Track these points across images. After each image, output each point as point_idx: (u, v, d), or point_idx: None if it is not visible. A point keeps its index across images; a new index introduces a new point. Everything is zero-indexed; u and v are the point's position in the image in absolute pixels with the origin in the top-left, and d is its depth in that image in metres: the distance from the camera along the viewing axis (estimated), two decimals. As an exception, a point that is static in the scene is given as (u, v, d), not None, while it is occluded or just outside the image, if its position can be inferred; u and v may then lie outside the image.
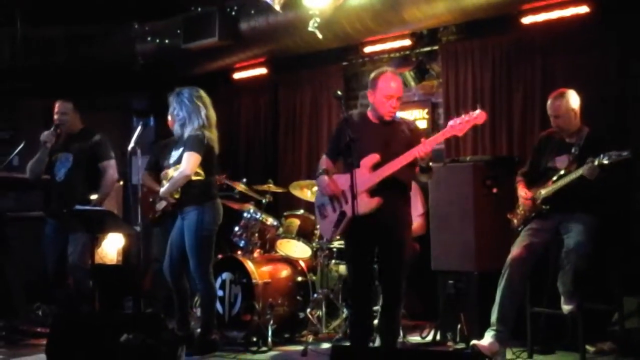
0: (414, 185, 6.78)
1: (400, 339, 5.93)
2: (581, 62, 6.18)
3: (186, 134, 5.79)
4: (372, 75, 5.14)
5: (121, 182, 7.32)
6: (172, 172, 5.85)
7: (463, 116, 4.94)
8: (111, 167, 6.49)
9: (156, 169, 6.44)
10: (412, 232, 5.26)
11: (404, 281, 5.08)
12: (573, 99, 5.44)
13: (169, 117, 5.97)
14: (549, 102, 5.52)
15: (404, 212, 5.05)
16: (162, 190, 5.89)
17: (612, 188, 5.30)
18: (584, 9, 5.99)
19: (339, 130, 5.15)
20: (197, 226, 5.75)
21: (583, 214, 5.30)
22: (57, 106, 6.47)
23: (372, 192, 4.93)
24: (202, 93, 5.88)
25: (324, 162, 5.20)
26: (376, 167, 4.95)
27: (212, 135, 5.84)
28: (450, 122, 4.97)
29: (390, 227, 4.94)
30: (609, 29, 6.01)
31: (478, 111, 4.94)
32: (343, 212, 5.01)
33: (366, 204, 4.89)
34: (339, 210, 5.07)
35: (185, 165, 5.71)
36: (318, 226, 5.52)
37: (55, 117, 6.44)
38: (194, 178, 5.76)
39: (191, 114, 5.79)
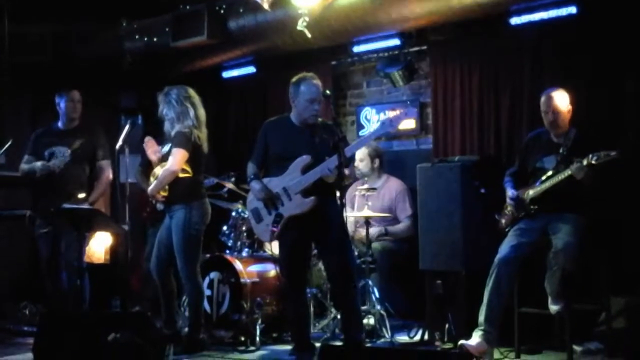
0: (402, 186, 6.87)
1: (387, 339, 5.97)
2: (570, 62, 6.19)
3: (174, 132, 5.78)
4: (293, 80, 5.38)
5: (110, 177, 7.29)
6: (159, 170, 5.84)
7: (394, 112, 5.22)
8: (108, 167, 6.51)
9: (149, 166, 6.43)
10: (345, 228, 5.39)
11: (354, 273, 5.33)
12: (566, 97, 5.51)
13: (158, 116, 5.95)
14: (543, 99, 5.55)
15: (335, 209, 5.13)
16: (149, 188, 5.88)
17: (600, 188, 5.33)
18: (572, 9, 6.00)
19: (263, 136, 5.44)
20: (185, 225, 5.75)
21: (571, 215, 5.32)
22: (71, 94, 6.43)
23: (306, 193, 5.17)
24: (192, 92, 5.87)
25: (251, 168, 5.47)
26: (307, 169, 5.15)
27: (202, 134, 5.83)
28: (383, 120, 5.26)
29: (325, 225, 5.13)
30: (597, 30, 6.02)
31: (409, 107, 5.17)
32: (279, 214, 5.28)
33: (302, 204, 5.20)
34: (274, 212, 5.31)
35: (171, 161, 5.70)
36: (254, 230, 5.68)
37: (68, 105, 6.42)
38: (181, 175, 5.75)
39: (179, 114, 5.78)
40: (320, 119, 5.31)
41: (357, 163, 6.72)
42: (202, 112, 5.86)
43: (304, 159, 5.19)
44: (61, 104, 6.52)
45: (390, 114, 5.24)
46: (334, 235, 5.11)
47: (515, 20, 6.27)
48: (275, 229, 5.26)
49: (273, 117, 5.62)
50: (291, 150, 5.25)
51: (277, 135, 5.37)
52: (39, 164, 6.34)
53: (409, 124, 7.16)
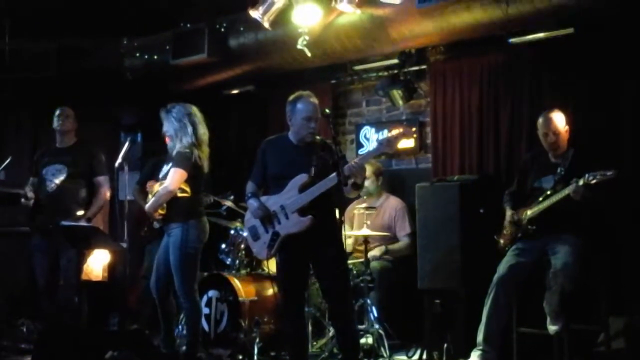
0: (401, 205, 6.87)
1: (386, 358, 5.95)
2: (568, 82, 6.21)
3: (175, 151, 5.78)
4: (290, 98, 5.37)
5: (108, 194, 7.30)
6: (157, 187, 5.85)
7: (392, 133, 5.13)
8: (106, 183, 6.51)
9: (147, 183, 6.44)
10: (343, 247, 5.37)
11: (349, 295, 5.30)
12: (563, 118, 5.55)
13: (163, 132, 5.95)
14: (542, 120, 5.57)
15: (333, 228, 5.16)
16: (147, 205, 5.88)
17: (598, 208, 5.34)
18: (570, 30, 6.03)
19: (261, 154, 5.44)
20: (182, 243, 5.72)
21: (569, 235, 5.33)
22: (60, 110, 6.48)
23: (303, 211, 5.14)
24: (194, 110, 5.85)
25: (250, 187, 5.46)
26: (304, 187, 5.13)
27: (202, 154, 5.82)
28: (381, 140, 5.25)
29: (322, 244, 5.10)
30: (595, 50, 6.05)
31: (407, 128, 5.22)
32: (276, 232, 5.25)
33: (298, 223, 5.16)
34: (271, 231, 5.28)
35: (169, 180, 5.69)
36: (251, 248, 5.66)
37: (57, 119, 6.45)
38: (180, 195, 5.74)
39: (178, 131, 5.77)
40: (318, 137, 5.31)
41: None
42: (203, 131, 5.84)
43: (302, 177, 5.19)
44: (53, 120, 6.55)
45: (389, 133, 5.22)
46: (331, 254, 5.10)
47: (514, 40, 6.30)
48: (270, 249, 5.25)
49: (271, 136, 5.63)
50: (289, 168, 5.25)
51: (275, 154, 5.37)
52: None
53: (408, 143, 7.15)
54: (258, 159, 5.47)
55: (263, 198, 5.36)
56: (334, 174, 5.01)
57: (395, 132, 5.13)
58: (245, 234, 6.53)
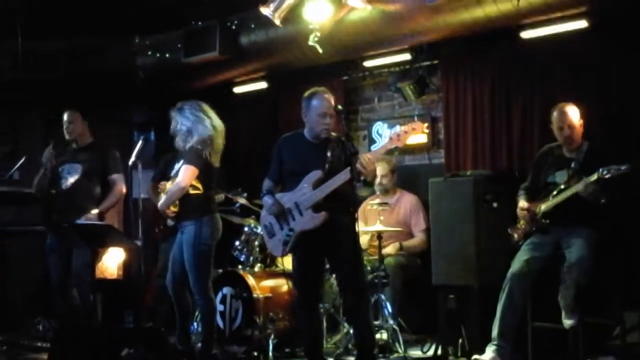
0: (416, 200, 6.87)
1: (401, 354, 5.96)
2: (581, 76, 6.19)
3: (187, 147, 5.80)
4: (305, 95, 5.39)
5: (124, 191, 7.32)
6: (169, 185, 5.87)
7: (403, 127, 5.14)
8: (121, 181, 6.53)
9: (161, 181, 6.45)
10: (358, 242, 5.32)
11: (365, 288, 5.30)
12: (577, 112, 5.53)
13: (171, 132, 5.97)
14: (556, 113, 5.55)
15: (347, 223, 5.14)
16: (159, 203, 5.90)
17: (612, 202, 5.32)
18: (582, 24, 6.01)
19: (277, 152, 5.45)
20: (195, 241, 5.74)
21: (584, 229, 5.32)
22: (66, 115, 6.51)
23: (317, 208, 5.15)
24: (204, 106, 5.87)
25: (266, 184, 5.48)
26: (318, 184, 5.14)
27: (218, 147, 5.82)
28: (391, 135, 5.20)
29: (337, 240, 5.11)
30: (608, 44, 6.03)
31: (417, 122, 5.25)
32: (291, 229, 5.28)
33: (313, 219, 5.18)
34: (286, 228, 5.30)
35: (180, 178, 5.71)
36: (266, 245, 5.70)
37: (64, 126, 6.46)
38: (192, 192, 5.75)
39: (191, 128, 5.79)
40: (333, 134, 5.31)
41: (379, 179, 6.73)
42: (218, 122, 5.85)
43: (315, 173, 5.20)
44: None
45: (399, 128, 5.22)
46: (346, 249, 5.10)
47: (526, 34, 6.28)
48: (285, 246, 5.26)
49: (287, 133, 5.64)
50: (304, 165, 5.26)
51: (290, 151, 5.38)
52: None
53: (420, 138, 7.16)
54: (274, 156, 5.48)
55: (278, 195, 5.38)
56: (347, 169, 5.02)
57: (405, 126, 5.14)
58: (259, 230, 6.58)
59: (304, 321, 5.51)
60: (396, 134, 5.16)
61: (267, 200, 5.40)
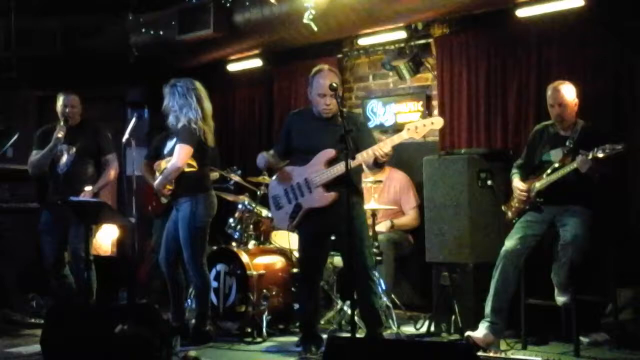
0: (406, 178, 6.88)
1: (394, 330, 5.98)
2: (577, 56, 6.18)
3: (179, 125, 5.79)
4: (312, 72, 5.37)
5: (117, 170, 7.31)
6: (165, 164, 5.87)
7: (423, 121, 5.09)
8: (115, 160, 6.53)
9: (155, 159, 6.45)
10: (364, 222, 5.41)
11: (370, 268, 5.32)
12: (572, 90, 5.50)
13: (163, 109, 5.96)
14: (549, 91, 5.55)
15: (354, 202, 5.15)
16: (155, 183, 5.91)
17: (607, 180, 5.33)
18: (579, 2, 5.99)
19: (286, 127, 5.47)
20: (190, 218, 5.76)
21: (578, 207, 5.33)
22: (67, 100, 6.42)
23: (327, 186, 5.15)
24: (198, 85, 5.88)
25: (270, 151, 5.51)
26: (331, 162, 5.13)
27: (207, 127, 5.84)
28: (409, 126, 5.08)
29: (343, 219, 5.02)
30: (605, 23, 6.01)
31: (438, 118, 5.15)
32: (299, 204, 5.28)
33: (322, 198, 5.18)
34: (294, 202, 5.31)
35: (176, 157, 5.72)
36: (272, 216, 5.74)
37: (67, 110, 6.40)
38: (187, 170, 5.77)
39: (184, 106, 5.79)
40: (345, 110, 5.27)
41: None
42: (208, 105, 5.87)
43: (329, 152, 5.18)
44: (58, 106, 6.47)
45: (418, 120, 5.13)
46: (356, 227, 5.10)
47: (521, 12, 6.26)
48: (292, 220, 5.28)
49: (297, 109, 5.63)
50: (314, 142, 5.24)
51: (300, 127, 5.37)
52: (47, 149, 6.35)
53: (415, 116, 7.15)
54: (282, 131, 5.53)
55: (288, 168, 5.39)
56: (358, 154, 5.04)
57: (425, 120, 5.09)
58: (253, 208, 6.58)
59: (303, 296, 5.55)
60: (414, 126, 5.07)
61: (259, 156, 5.44)
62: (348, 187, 4.95)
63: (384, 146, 5.11)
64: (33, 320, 6.75)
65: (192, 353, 5.29)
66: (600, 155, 5.06)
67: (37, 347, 5.11)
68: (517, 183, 5.60)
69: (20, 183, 7.35)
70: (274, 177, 5.51)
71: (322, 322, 6.22)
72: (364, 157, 5.12)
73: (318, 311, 5.74)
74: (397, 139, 5.16)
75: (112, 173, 6.50)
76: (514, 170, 5.74)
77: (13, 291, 7.14)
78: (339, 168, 5.10)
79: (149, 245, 7.45)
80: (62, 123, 6.32)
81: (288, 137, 5.43)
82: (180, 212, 5.82)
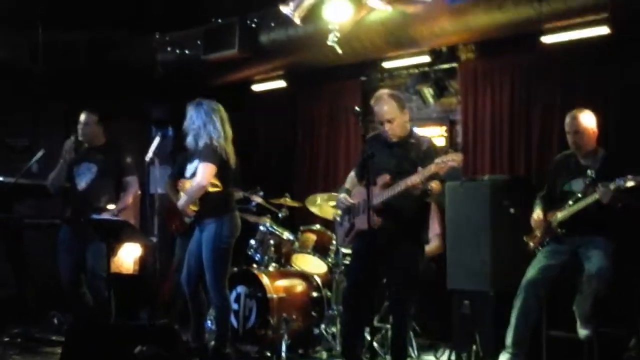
0: (431, 205, 6.81)
1: (414, 358, 5.94)
2: (602, 82, 6.14)
3: (200, 144, 5.79)
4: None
5: (139, 192, 7.34)
6: (188, 184, 5.86)
7: (447, 157, 4.98)
8: (135, 182, 6.55)
9: (180, 177, 6.45)
10: (418, 254, 5.35)
11: (410, 302, 5.27)
12: (591, 118, 5.46)
13: (184, 128, 5.96)
14: (567, 119, 5.52)
15: (408, 232, 5.16)
16: (179, 202, 5.91)
17: (630, 211, 5.28)
18: (604, 30, 5.95)
19: (363, 149, 5.47)
20: (215, 239, 5.74)
21: (601, 238, 5.28)
22: (82, 116, 6.51)
23: (378, 211, 5.10)
24: (221, 108, 5.90)
25: (349, 179, 5.55)
26: (386, 186, 5.13)
27: (229, 148, 5.85)
28: (437, 160, 4.97)
29: (389, 249, 5.08)
30: (629, 50, 5.97)
31: (459, 154, 5.07)
32: (353, 224, 5.34)
33: (364, 221, 5.08)
34: (350, 222, 5.38)
35: (200, 176, 5.70)
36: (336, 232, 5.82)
37: (78, 127, 6.47)
38: (211, 190, 5.76)
39: (207, 124, 5.79)
40: (416, 134, 5.34)
41: None
42: (228, 129, 5.88)
43: (384, 177, 5.17)
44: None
45: (445, 157, 5.06)
46: (401, 259, 5.13)
47: (546, 39, 6.23)
48: (346, 237, 5.41)
49: (372, 133, 5.69)
50: (380, 165, 5.20)
51: (373, 149, 5.26)
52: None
53: (438, 141, 7.12)
54: (360, 154, 5.65)
55: (356, 188, 5.44)
56: (409, 178, 4.99)
57: (449, 156, 5.00)
58: (274, 230, 6.58)
59: (343, 318, 5.59)
60: (442, 161, 4.97)
61: (339, 195, 5.50)
62: (379, 214, 5.00)
63: (416, 177, 5.02)
64: (54, 338, 6.76)
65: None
66: (622, 185, 5.01)
67: (57, 366, 5.13)
68: (535, 214, 5.56)
69: (43, 199, 7.39)
70: (342, 194, 5.48)
71: (340, 347, 6.17)
72: (400, 186, 5.07)
73: (360, 334, 5.55)
74: (426, 172, 5.03)
75: (130, 197, 6.52)
76: (537, 201, 5.69)
77: (34, 308, 7.18)
78: (387, 193, 5.10)
79: (172, 264, 7.46)
80: (72, 138, 6.38)
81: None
82: (205, 232, 5.80)
